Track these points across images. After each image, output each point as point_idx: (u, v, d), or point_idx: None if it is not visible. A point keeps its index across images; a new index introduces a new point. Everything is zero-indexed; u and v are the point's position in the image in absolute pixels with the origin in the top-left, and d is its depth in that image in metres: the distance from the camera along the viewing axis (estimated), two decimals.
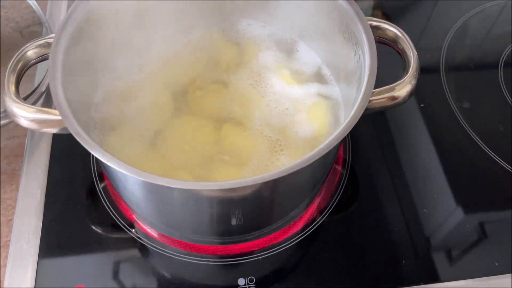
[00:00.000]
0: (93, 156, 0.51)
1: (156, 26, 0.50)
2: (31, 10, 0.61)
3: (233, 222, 0.40)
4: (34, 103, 0.51)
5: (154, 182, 0.30)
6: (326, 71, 0.48)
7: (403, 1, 0.68)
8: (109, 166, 0.34)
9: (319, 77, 0.48)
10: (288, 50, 0.50)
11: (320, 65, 0.48)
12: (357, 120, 0.33)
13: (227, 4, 0.51)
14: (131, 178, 0.34)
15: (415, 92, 0.56)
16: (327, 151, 0.32)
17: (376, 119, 0.55)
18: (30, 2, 0.60)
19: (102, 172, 0.50)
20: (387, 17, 0.66)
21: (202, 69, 0.49)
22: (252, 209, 0.39)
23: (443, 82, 0.58)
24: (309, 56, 0.49)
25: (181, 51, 0.50)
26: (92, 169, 0.51)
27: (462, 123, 0.54)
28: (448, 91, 0.57)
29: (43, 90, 0.52)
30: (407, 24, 0.65)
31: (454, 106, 0.55)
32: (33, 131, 0.52)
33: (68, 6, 0.63)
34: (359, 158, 0.52)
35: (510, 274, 0.44)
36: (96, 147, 0.32)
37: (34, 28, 0.61)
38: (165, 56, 0.49)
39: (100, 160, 0.34)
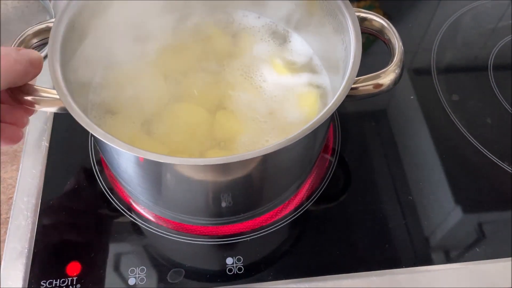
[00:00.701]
0: (91, 139, 0.54)
1: (153, 14, 0.51)
2: None
3: (223, 203, 0.42)
4: None
5: (146, 157, 0.32)
6: (317, 61, 0.50)
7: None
8: (103, 144, 0.36)
9: (310, 67, 0.49)
10: (281, 40, 0.52)
11: (312, 55, 0.50)
12: (340, 101, 0.35)
13: None
14: (124, 154, 0.36)
15: (407, 85, 0.59)
16: (311, 130, 0.33)
17: (366, 110, 0.56)
18: None
19: (99, 155, 0.52)
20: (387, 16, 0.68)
21: (197, 57, 0.51)
22: (241, 189, 0.41)
23: (433, 75, 0.60)
24: (301, 47, 0.51)
25: (177, 40, 0.52)
26: (90, 152, 0.53)
27: (450, 115, 0.56)
28: (438, 84, 0.59)
29: None
30: (399, 21, 0.66)
31: (443, 98, 0.57)
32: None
33: None
34: (348, 147, 0.53)
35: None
36: (91, 124, 0.34)
37: (39, 16, 0.63)
38: (161, 44, 0.51)
39: (95, 139, 0.35)
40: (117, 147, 0.32)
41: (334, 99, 0.35)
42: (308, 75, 0.48)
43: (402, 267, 0.45)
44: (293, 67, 0.49)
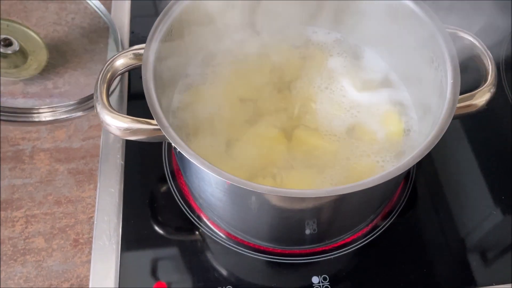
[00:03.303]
0: (165, 154, 0.54)
1: (224, 34, 0.51)
2: (97, 15, 0.64)
3: (307, 231, 0.42)
4: None
5: (260, 191, 0.32)
6: (394, 77, 0.49)
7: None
8: (200, 171, 0.36)
9: (387, 82, 0.49)
10: (354, 56, 0.51)
11: (388, 70, 0.50)
12: (445, 129, 0.35)
13: (291, 12, 0.52)
14: (223, 184, 0.36)
15: None
16: (418, 160, 0.33)
17: None
18: (96, 8, 0.63)
19: (174, 169, 0.53)
20: None
21: (269, 76, 0.51)
22: (330, 217, 0.41)
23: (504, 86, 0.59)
24: (376, 62, 0.50)
25: (247, 59, 0.51)
26: (165, 165, 0.53)
27: None
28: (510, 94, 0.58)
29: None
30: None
31: None
32: (107, 133, 0.55)
33: (131, 13, 0.66)
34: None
35: None
36: (196, 155, 0.35)
37: (100, 33, 0.64)
38: (232, 64, 0.51)
39: (184, 161, 0.35)
40: (229, 181, 0.32)
41: (437, 127, 0.35)
42: (386, 91, 0.48)
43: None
44: (369, 83, 0.49)
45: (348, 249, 0.47)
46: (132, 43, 0.63)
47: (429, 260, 0.47)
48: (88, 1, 0.63)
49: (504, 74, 0.59)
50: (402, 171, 0.33)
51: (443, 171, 0.53)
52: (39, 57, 0.60)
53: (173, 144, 0.36)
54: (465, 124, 0.56)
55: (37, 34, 0.62)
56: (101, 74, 0.41)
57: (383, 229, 0.48)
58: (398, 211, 0.49)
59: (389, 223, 0.49)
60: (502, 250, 0.48)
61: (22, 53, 0.59)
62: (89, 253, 0.49)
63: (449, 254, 0.47)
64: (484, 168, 0.53)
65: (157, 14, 0.45)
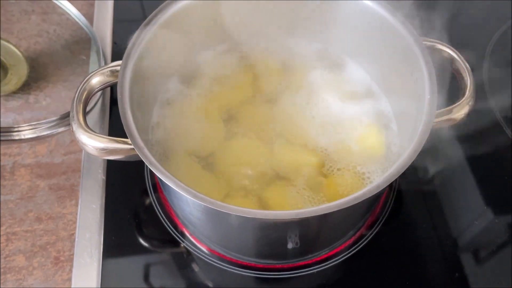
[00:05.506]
0: (147, 169, 0.53)
1: (203, 49, 0.51)
2: (79, 27, 0.63)
3: (289, 246, 0.42)
4: None
5: (238, 214, 0.31)
6: (376, 88, 0.49)
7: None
8: (179, 194, 0.35)
9: (368, 94, 0.49)
10: (335, 67, 0.51)
11: (370, 82, 0.49)
12: (422, 145, 0.34)
13: (273, 23, 0.51)
14: (201, 206, 0.36)
15: None
16: (394, 178, 0.33)
17: None
18: (78, 19, 0.62)
19: (156, 183, 0.52)
20: None
21: (249, 89, 0.50)
22: (309, 234, 0.40)
23: (485, 88, 0.58)
24: (357, 74, 0.50)
25: (228, 72, 0.51)
26: (147, 180, 0.52)
27: (505, 131, 0.55)
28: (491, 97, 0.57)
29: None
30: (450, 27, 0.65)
31: (499, 115, 0.56)
32: None
33: (114, 24, 0.65)
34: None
35: None
36: (171, 177, 0.34)
37: (82, 44, 0.63)
38: (212, 78, 0.51)
39: (170, 187, 0.35)
40: (208, 205, 0.32)
41: (414, 142, 0.35)
42: (368, 104, 0.48)
43: None
44: (351, 95, 0.49)
45: (331, 262, 0.47)
46: (114, 54, 0.63)
47: (416, 269, 0.47)
48: (70, 13, 0.63)
49: (488, 83, 0.59)
50: (378, 191, 0.32)
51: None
52: (20, 71, 0.59)
53: (148, 165, 0.36)
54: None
55: (18, 47, 0.61)
56: (77, 93, 0.41)
57: (367, 240, 0.48)
58: (383, 220, 0.49)
59: (374, 233, 0.49)
60: (490, 254, 0.48)
61: (2, 68, 0.58)
62: (70, 270, 0.48)
63: (437, 262, 0.47)
64: (472, 172, 0.52)
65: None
